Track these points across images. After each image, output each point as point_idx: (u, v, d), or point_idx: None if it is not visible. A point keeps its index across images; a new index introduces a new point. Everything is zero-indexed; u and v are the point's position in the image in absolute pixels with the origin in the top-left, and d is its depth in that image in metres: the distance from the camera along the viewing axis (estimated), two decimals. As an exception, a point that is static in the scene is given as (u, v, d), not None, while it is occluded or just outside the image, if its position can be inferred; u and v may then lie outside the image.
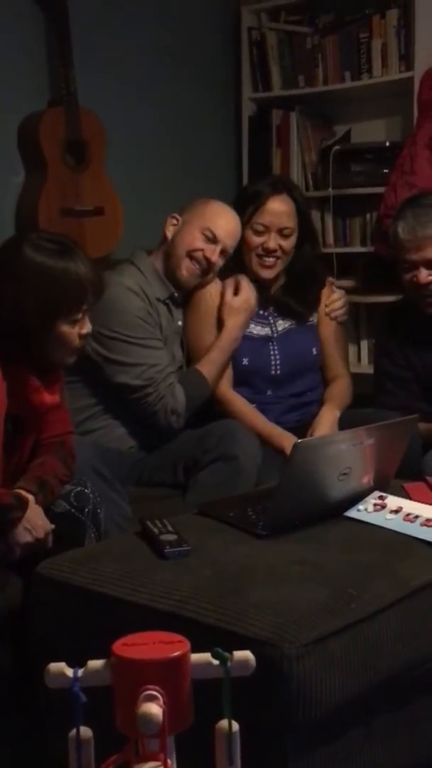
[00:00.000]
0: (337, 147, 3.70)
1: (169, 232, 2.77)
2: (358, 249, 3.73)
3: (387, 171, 3.46)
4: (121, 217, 3.34)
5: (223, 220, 2.75)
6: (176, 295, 2.77)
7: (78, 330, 2.06)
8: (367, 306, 3.67)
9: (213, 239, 2.72)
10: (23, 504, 1.95)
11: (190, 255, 2.72)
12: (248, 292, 2.79)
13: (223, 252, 2.74)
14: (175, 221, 2.78)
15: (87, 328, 2.09)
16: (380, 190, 3.43)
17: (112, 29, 3.52)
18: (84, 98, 3.23)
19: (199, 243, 2.72)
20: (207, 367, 2.73)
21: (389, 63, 3.59)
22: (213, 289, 2.84)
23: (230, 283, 2.80)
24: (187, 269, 2.73)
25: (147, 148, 3.65)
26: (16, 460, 2.09)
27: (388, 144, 3.62)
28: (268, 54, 3.87)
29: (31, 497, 1.98)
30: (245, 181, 3.95)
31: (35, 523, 1.95)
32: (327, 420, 2.79)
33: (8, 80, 3.21)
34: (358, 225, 3.75)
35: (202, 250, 2.71)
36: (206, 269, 2.74)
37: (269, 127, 3.92)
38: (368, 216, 3.69)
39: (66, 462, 2.14)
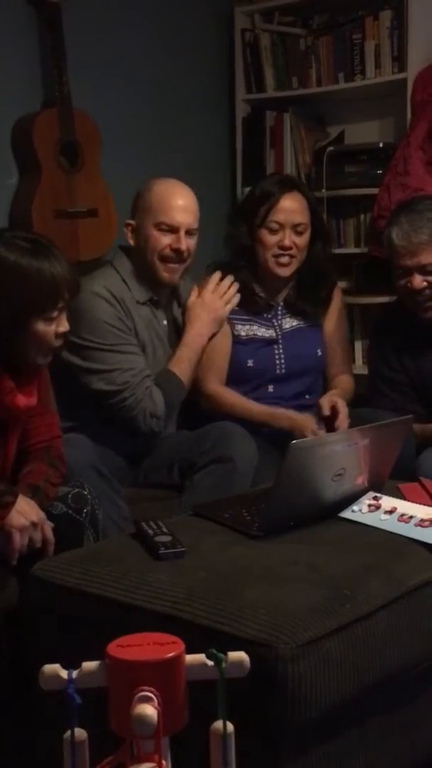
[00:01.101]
0: (330, 148, 3.71)
1: (131, 239, 2.69)
2: (352, 250, 3.73)
3: (381, 172, 3.46)
4: (114, 218, 3.33)
5: (171, 203, 2.64)
6: (156, 298, 2.71)
7: (55, 328, 2.04)
8: (362, 307, 3.67)
9: (172, 228, 2.63)
10: (13, 492, 1.95)
11: (161, 256, 2.64)
12: (219, 299, 2.74)
13: (189, 232, 2.65)
14: (131, 227, 2.70)
15: (64, 326, 2.07)
16: (374, 191, 3.44)
17: (105, 31, 3.52)
18: (77, 100, 3.23)
19: (161, 240, 2.63)
20: (178, 366, 2.68)
21: (382, 64, 3.59)
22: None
23: (213, 279, 2.79)
24: (166, 271, 2.65)
25: (141, 149, 3.65)
26: (1, 462, 2.09)
27: (381, 145, 3.62)
28: (262, 55, 3.88)
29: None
30: (239, 182, 3.96)
31: (28, 508, 1.95)
32: (337, 395, 2.82)
33: (1, 82, 3.21)
34: (352, 226, 3.76)
35: (168, 245, 2.63)
36: (182, 258, 2.65)
37: (263, 129, 3.92)
38: (362, 217, 3.70)
39: (55, 465, 2.13)
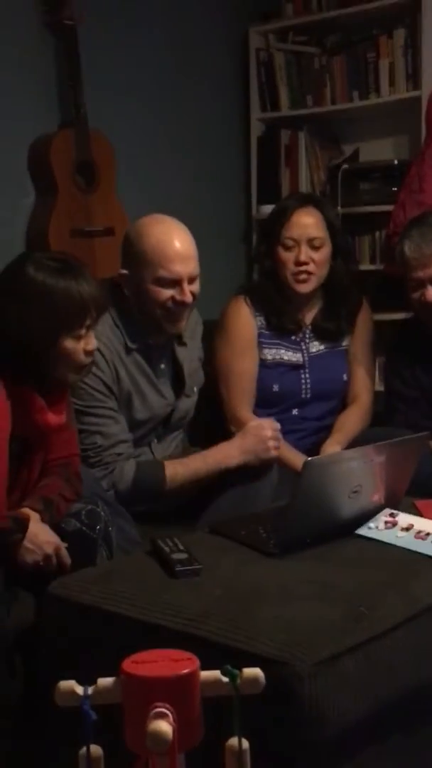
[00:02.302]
0: (345, 166, 3.73)
1: (127, 290, 2.46)
2: (367, 267, 3.74)
3: (395, 189, 3.47)
4: (131, 237, 3.35)
5: (168, 253, 2.38)
6: (151, 342, 2.50)
7: (83, 346, 2.07)
8: (378, 324, 3.66)
9: (173, 282, 2.39)
10: (22, 526, 1.95)
11: (163, 307, 2.41)
12: (272, 441, 2.49)
13: (191, 280, 2.41)
14: (125, 278, 2.45)
15: (92, 344, 2.09)
16: (389, 208, 3.44)
17: (121, 51, 3.55)
18: (94, 120, 3.26)
19: (163, 294, 2.39)
20: (174, 465, 2.45)
21: (396, 82, 3.62)
22: (244, 311, 2.83)
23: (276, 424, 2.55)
24: (171, 322, 2.44)
25: (156, 168, 3.68)
26: (25, 479, 2.10)
27: (396, 162, 3.64)
28: (276, 74, 3.90)
29: (35, 515, 1.98)
30: (254, 200, 3.98)
31: (41, 540, 1.95)
32: (338, 443, 2.74)
33: (19, 103, 3.25)
34: (367, 243, 3.77)
35: (171, 297, 2.39)
36: (187, 307, 2.43)
37: (278, 147, 3.94)
38: (377, 234, 3.71)
39: (71, 482, 2.14)
